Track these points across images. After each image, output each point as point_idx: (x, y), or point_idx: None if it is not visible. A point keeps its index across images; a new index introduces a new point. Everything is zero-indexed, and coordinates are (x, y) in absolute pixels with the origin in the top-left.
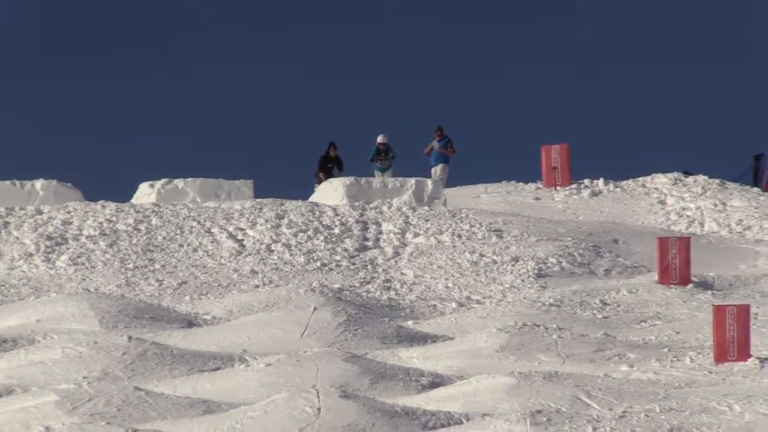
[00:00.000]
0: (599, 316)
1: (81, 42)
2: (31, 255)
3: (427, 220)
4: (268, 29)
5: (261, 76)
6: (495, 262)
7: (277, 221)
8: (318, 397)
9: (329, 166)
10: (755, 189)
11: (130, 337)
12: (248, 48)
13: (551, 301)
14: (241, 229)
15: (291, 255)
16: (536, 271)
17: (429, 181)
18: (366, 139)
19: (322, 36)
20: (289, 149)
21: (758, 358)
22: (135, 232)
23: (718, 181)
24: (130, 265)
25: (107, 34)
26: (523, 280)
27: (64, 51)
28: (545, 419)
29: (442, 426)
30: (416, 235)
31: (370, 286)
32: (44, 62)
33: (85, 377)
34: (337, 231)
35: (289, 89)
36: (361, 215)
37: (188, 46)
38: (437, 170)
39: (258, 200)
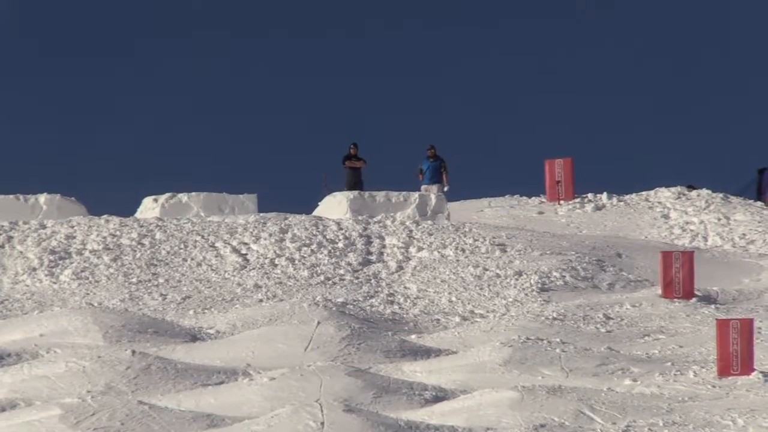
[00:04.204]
0: (602, 330)
1: (55, 43)
2: (34, 269)
3: (431, 234)
4: (248, 29)
5: (234, 77)
6: (498, 276)
7: (281, 235)
8: (322, 411)
9: (353, 159)
10: (759, 203)
11: (133, 352)
12: (225, 48)
13: (555, 315)
14: (245, 244)
15: (295, 269)
16: (540, 285)
17: (432, 195)
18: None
19: (304, 36)
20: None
21: (762, 372)
22: (139, 246)
23: (721, 195)
24: (134, 280)
25: (74, 34)
26: (526, 294)
27: (47, 51)
28: None
29: None
30: (420, 249)
31: (373, 300)
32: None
33: (88, 391)
34: (340, 245)
35: (262, 89)
36: (365, 229)
37: (152, 47)
38: (433, 190)
39: (262, 214)
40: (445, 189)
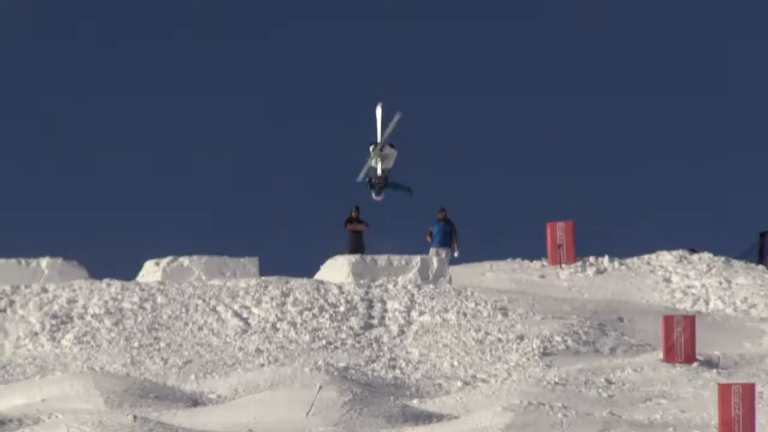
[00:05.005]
0: (604, 394)
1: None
2: (36, 334)
3: (433, 298)
4: (247, 29)
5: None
6: (500, 340)
7: (283, 299)
8: None
9: (354, 222)
10: (761, 267)
11: (135, 417)
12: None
13: (556, 379)
14: (246, 307)
15: (296, 333)
16: (541, 350)
17: (434, 259)
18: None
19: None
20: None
21: None
22: (140, 310)
23: (723, 258)
24: (136, 344)
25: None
26: (528, 359)
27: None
28: None
29: None
30: (421, 313)
31: (375, 364)
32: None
33: None
34: (342, 309)
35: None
36: (367, 293)
37: (150, 46)
38: (441, 253)
39: (263, 278)
40: (455, 255)
